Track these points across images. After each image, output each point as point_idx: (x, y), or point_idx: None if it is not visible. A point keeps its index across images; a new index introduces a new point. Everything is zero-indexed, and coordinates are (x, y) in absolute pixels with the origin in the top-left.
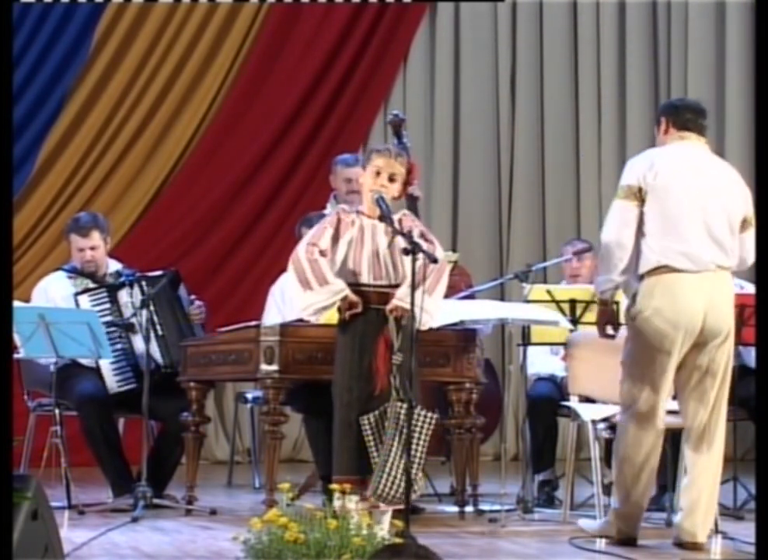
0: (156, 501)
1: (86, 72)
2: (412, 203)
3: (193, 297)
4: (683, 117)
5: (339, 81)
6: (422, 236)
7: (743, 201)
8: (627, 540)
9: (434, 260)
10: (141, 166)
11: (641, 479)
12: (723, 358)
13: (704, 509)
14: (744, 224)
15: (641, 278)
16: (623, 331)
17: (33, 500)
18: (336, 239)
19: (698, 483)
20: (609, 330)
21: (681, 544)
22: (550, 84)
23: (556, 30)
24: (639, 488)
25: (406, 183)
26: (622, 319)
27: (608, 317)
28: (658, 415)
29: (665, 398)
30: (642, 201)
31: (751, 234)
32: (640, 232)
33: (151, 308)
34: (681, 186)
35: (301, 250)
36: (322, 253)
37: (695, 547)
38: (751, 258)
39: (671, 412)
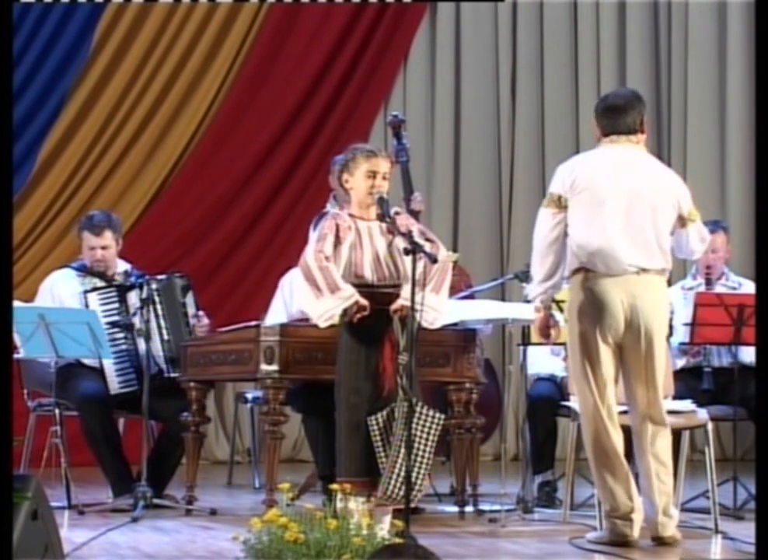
0: (156, 501)
1: (86, 72)
2: (414, 217)
3: (201, 313)
4: (603, 122)
5: (339, 81)
6: (422, 234)
7: (676, 200)
8: (629, 542)
9: (435, 260)
10: (141, 166)
11: (617, 474)
12: (653, 356)
13: (661, 499)
14: (682, 221)
15: (568, 279)
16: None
17: (33, 500)
18: (336, 245)
19: (647, 477)
20: (551, 334)
21: (654, 538)
22: (550, 84)
23: (556, 30)
24: (618, 484)
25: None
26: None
27: (545, 323)
28: (599, 401)
29: (607, 385)
30: (564, 207)
31: (693, 228)
32: (566, 237)
33: (159, 311)
34: (601, 189)
35: (310, 257)
36: (328, 259)
37: (661, 540)
38: (697, 249)
39: (670, 412)
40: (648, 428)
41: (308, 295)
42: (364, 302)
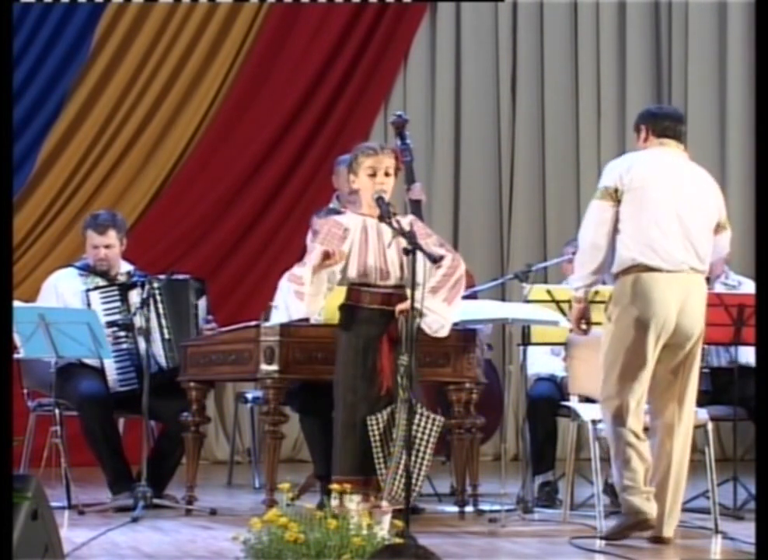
0: (156, 501)
1: (86, 72)
2: (416, 206)
3: (210, 317)
4: (662, 124)
5: (339, 81)
6: (441, 245)
7: (717, 208)
8: (647, 521)
9: (434, 261)
10: (141, 166)
11: (643, 457)
12: (693, 359)
13: (670, 501)
14: (718, 228)
15: (616, 277)
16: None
17: (33, 500)
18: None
19: (663, 478)
20: (583, 325)
21: (649, 537)
22: (550, 84)
23: (556, 30)
24: (643, 465)
25: (397, 168)
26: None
27: (582, 314)
28: (637, 412)
29: (642, 395)
30: (618, 201)
31: (725, 236)
32: (615, 232)
33: (160, 310)
34: (657, 187)
35: (283, 279)
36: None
37: (660, 541)
38: (724, 253)
39: None
40: (674, 436)
41: (299, 306)
42: (326, 248)
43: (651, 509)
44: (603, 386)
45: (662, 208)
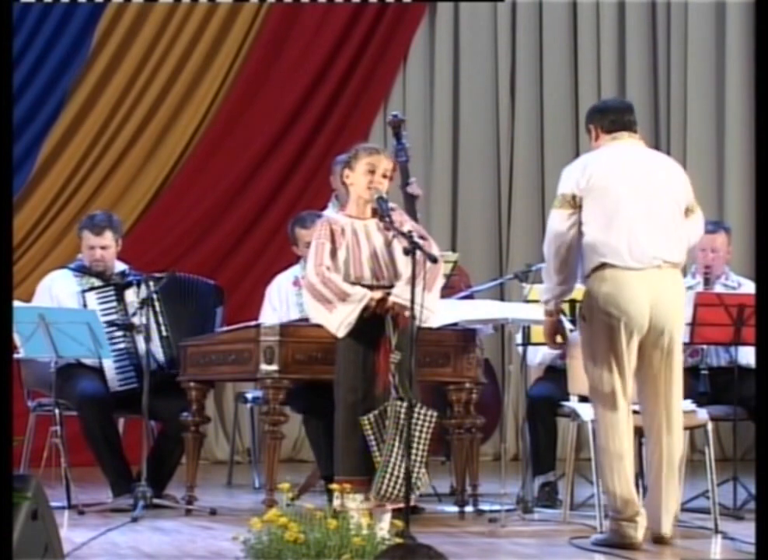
0: (156, 501)
1: (86, 72)
2: (411, 201)
3: (224, 329)
4: (608, 119)
5: (339, 81)
6: (416, 232)
7: (684, 191)
8: (633, 545)
9: (434, 260)
10: (141, 167)
11: (623, 476)
12: (673, 354)
13: (665, 499)
14: (687, 212)
15: (587, 277)
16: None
17: (33, 500)
18: (334, 252)
19: (656, 475)
20: (559, 339)
21: (655, 539)
22: (550, 84)
23: (556, 30)
24: (624, 485)
25: (391, 178)
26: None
27: (555, 328)
28: (621, 400)
29: (628, 383)
30: (578, 207)
31: (695, 219)
32: (581, 236)
33: (157, 308)
34: (618, 184)
35: (311, 274)
36: (329, 270)
37: (659, 539)
38: (694, 240)
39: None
40: (663, 431)
41: (321, 311)
42: (378, 295)
43: (638, 532)
44: (591, 387)
45: (627, 204)
